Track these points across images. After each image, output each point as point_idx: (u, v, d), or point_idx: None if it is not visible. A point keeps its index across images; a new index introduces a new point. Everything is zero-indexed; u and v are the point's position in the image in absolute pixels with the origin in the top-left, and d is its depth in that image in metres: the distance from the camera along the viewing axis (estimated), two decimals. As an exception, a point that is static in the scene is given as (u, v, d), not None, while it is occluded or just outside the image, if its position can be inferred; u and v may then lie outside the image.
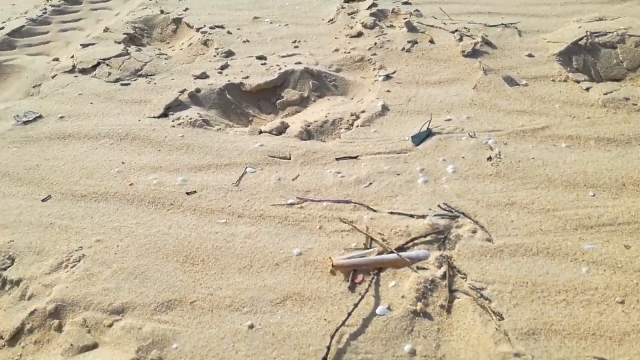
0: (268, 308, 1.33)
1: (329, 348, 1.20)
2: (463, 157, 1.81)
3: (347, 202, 1.66)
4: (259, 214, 1.65)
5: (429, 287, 1.33)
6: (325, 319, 1.29)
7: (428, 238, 1.48)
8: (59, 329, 1.31)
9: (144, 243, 1.56)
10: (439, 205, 1.60)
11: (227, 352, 1.22)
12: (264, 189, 1.76)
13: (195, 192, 1.76)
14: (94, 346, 1.26)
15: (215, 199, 1.73)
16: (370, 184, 1.74)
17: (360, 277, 1.39)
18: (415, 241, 1.48)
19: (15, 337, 1.33)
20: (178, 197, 1.75)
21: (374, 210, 1.62)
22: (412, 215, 1.56)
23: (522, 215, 1.54)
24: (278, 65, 2.55)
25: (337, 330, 1.24)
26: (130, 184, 1.82)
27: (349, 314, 1.27)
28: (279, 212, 1.65)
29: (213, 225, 1.62)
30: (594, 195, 1.59)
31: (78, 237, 1.60)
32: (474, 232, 1.49)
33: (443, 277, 1.35)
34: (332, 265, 1.42)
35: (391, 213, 1.59)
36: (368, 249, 1.47)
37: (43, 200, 1.78)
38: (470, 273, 1.36)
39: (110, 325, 1.30)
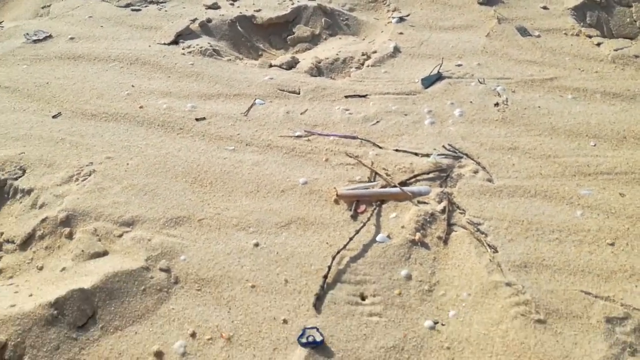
0: (273, 230, 1.38)
1: (329, 268, 1.26)
2: (471, 102, 1.83)
3: (354, 137, 1.69)
4: (267, 144, 1.68)
5: (428, 219, 1.38)
6: (327, 243, 1.34)
7: (431, 175, 1.52)
8: (70, 236, 1.36)
9: (154, 163, 1.59)
10: (443, 146, 1.63)
11: (233, 266, 1.28)
12: (272, 121, 1.79)
13: (204, 118, 1.79)
14: (104, 253, 1.31)
15: (224, 127, 1.75)
16: (377, 122, 1.76)
17: (362, 207, 1.44)
18: (418, 177, 1.52)
19: (26, 242, 1.38)
20: (187, 122, 1.77)
21: (380, 147, 1.65)
22: (416, 154, 1.60)
23: (524, 160, 1.58)
24: (291, 0, 2.52)
25: (338, 252, 1.29)
26: (140, 107, 1.84)
27: (350, 239, 1.32)
28: (287, 143, 1.68)
29: (222, 151, 1.65)
30: (594, 145, 1.62)
31: (88, 154, 1.63)
32: (476, 172, 1.53)
33: (442, 211, 1.40)
34: (337, 195, 1.46)
35: (396, 150, 1.62)
36: (372, 182, 1.51)
37: (53, 117, 1.80)
38: (469, 209, 1.41)
39: (120, 236, 1.35)
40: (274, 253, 1.32)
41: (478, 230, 1.34)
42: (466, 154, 1.59)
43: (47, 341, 1.10)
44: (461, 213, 1.40)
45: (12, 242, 1.40)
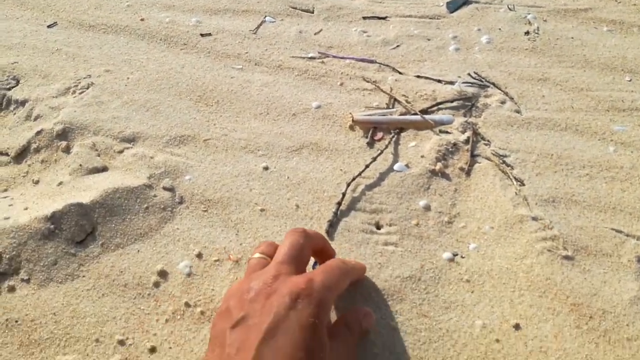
0: (284, 154, 1.30)
1: (344, 195, 1.18)
2: (499, 29, 1.70)
3: (372, 61, 1.58)
4: (278, 64, 1.57)
5: (450, 149, 1.29)
6: (341, 169, 1.26)
7: (454, 104, 1.42)
8: (67, 150, 1.27)
9: (156, 78, 1.48)
10: (468, 74, 1.52)
11: (241, 188, 1.20)
12: (284, 40, 1.66)
13: (210, 34, 1.66)
14: (104, 169, 1.22)
15: (231, 44, 1.63)
16: (397, 46, 1.64)
17: (380, 135, 1.35)
18: (441, 106, 1.42)
19: (21, 155, 1.30)
20: (192, 37, 1.64)
21: (400, 73, 1.54)
22: (439, 81, 1.49)
23: (554, 92, 1.47)
24: None
25: (353, 179, 1.21)
26: (142, 19, 1.70)
27: (367, 166, 1.24)
28: (299, 65, 1.57)
29: (229, 70, 1.54)
30: (630, 81, 1.51)
31: (86, 66, 1.52)
32: (503, 102, 1.43)
33: (466, 141, 1.31)
34: (352, 121, 1.36)
35: (418, 77, 1.51)
36: (390, 109, 1.41)
37: (49, 27, 1.67)
38: (495, 140, 1.32)
39: (121, 152, 1.26)
40: (284, 177, 1.23)
41: (504, 162, 1.26)
42: (493, 83, 1.48)
43: (44, 256, 1.03)
44: (486, 144, 1.31)
45: (6, 154, 1.31)
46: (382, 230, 1.14)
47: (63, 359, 0.90)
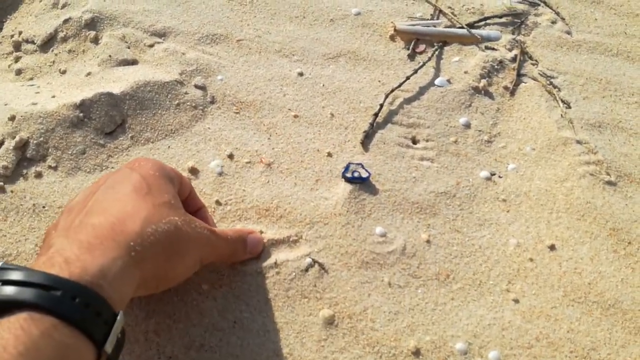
0: (319, 61, 1.24)
1: (381, 106, 1.13)
2: (555, -56, 1.58)
3: (416, -30, 1.47)
4: (316, -33, 1.47)
5: (495, 67, 1.23)
6: (379, 81, 1.20)
7: (503, 20, 1.34)
8: (96, 41, 1.22)
9: (188, -27, 1.40)
10: (519, -11, 1.42)
11: (275, 92, 1.16)
12: (323, -58, 1.55)
13: None
14: (134, 62, 1.18)
15: (267, -58, 1.53)
16: (444, -45, 1.53)
17: (422, 47, 1.28)
18: (488, 21, 1.33)
19: (47, 44, 1.25)
20: None
21: (445, -16, 1.44)
22: (488, -6, 1.40)
23: (608, 16, 1.38)
24: None
25: (392, 91, 1.16)
26: None
27: (408, 78, 1.18)
28: (338, -31, 1.47)
29: (264, -31, 1.44)
30: (692, 9, 1.41)
31: (114, -45, 1.43)
32: (554, 22, 1.34)
33: (513, 59, 1.24)
34: (394, 30, 1.29)
35: (464, -11, 1.42)
36: (435, 20, 1.34)
37: None
38: (543, 61, 1.25)
39: (152, 46, 1.21)
40: (319, 85, 1.19)
41: (551, 83, 1.20)
42: (544, 2, 1.39)
43: (73, 144, 1.01)
44: (533, 64, 1.25)
45: (32, 42, 1.26)
46: (418, 145, 1.10)
47: (95, 245, 0.90)
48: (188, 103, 1.11)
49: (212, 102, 1.13)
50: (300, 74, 1.20)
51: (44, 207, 0.94)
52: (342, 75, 1.21)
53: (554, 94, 1.16)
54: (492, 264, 0.93)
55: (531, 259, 0.93)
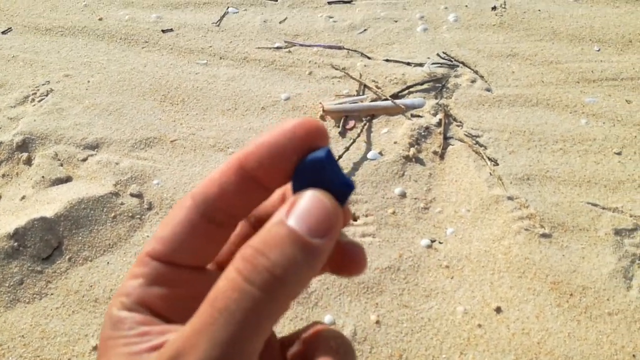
0: (253, 149, 1.26)
1: (317, 188, 1.15)
2: (466, 6, 1.67)
3: (340, 48, 1.54)
4: (243, 57, 1.53)
5: (423, 133, 1.27)
6: (313, 162, 1.23)
7: (425, 86, 1.40)
8: (29, 162, 1.23)
9: (118, 80, 1.43)
10: (437, 54, 1.49)
11: (211, 189, 1.17)
12: (248, 31, 1.62)
13: (172, 30, 1.61)
14: (68, 179, 1.18)
15: (194, 39, 1.58)
16: (365, 30, 1.60)
17: (351, 123, 1.32)
18: (411, 89, 1.39)
19: (-18, 170, 1.25)
20: (153, 34, 1.59)
21: (368, 57, 1.51)
22: (408, 63, 1.46)
23: (524, 67, 1.45)
24: None
25: (326, 171, 1.18)
26: (100, 19, 1.65)
27: (339, 157, 1.21)
28: (265, 56, 1.53)
29: (193, 66, 1.49)
30: (598, 50, 1.50)
31: (44, 72, 1.46)
32: (473, 81, 1.41)
33: (438, 124, 1.29)
34: (323, 111, 1.33)
35: (387, 60, 1.48)
36: (361, 95, 1.39)
37: (3, 33, 1.61)
38: (467, 121, 1.30)
39: (85, 160, 1.22)
40: (256, 174, 1.20)
41: (477, 142, 1.24)
42: (462, 62, 1.46)
43: (9, 275, 0.99)
44: (458, 125, 1.29)
45: (-35, 170, 1.26)
46: (359, 222, 1.12)
47: (36, 381, 0.87)
48: (125, 214, 1.11)
49: (150, 208, 1.13)
50: (236, 166, 1.22)
51: (-18, 347, 0.91)
52: (278, 161, 1.24)
53: (480, 153, 1.20)
54: (443, 336, 0.93)
55: (479, 325, 0.93)
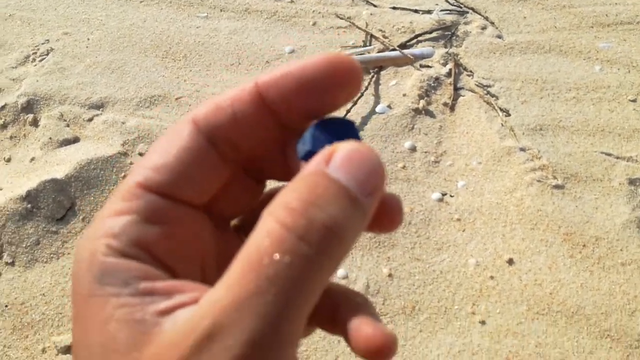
0: (260, 105, 1.24)
1: (327, 143, 1.14)
2: (475, -52, 1.61)
3: (344, -4, 1.49)
4: (244, 8, 1.48)
5: (432, 85, 1.25)
6: (321, 116, 1.21)
7: (434, 35, 1.36)
8: (35, 123, 1.21)
9: (118, 37, 1.40)
10: (446, 0, 1.44)
11: (220, 147, 1.16)
12: (250, -19, 1.56)
13: (171, -18, 1.55)
14: (75, 140, 1.17)
15: (194, -9, 1.53)
16: (369, -24, 1.55)
17: (358, 75, 1.29)
18: (420, 38, 1.35)
19: (-12, 133, 1.24)
20: (152, -13, 1.54)
21: (374, 5, 1.46)
22: (416, 11, 1.42)
23: (536, 12, 1.41)
24: None
25: (335, 126, 1.17)
26: (96, -28, 1.59)
27: (347, 112, 1.19)
28: (267, 7, 1.48)
29: (193, 19, 1.45)
30: (614, -8, 1.45)
31: (43, 30, 1.42)
32: (484, 28, 1.37)
33: (448, 74, 1.26)
34: (329, 62, 1.30)
35: (393, 8, 1.44)
36: (367, 46, 1.35)
37: (-4, -11, 1.56)
38: (478, 70, 1.27)
39: (91, 120, 1.21)
40: (264, 130, 1.19)
41: (488, 93, 1.22)
42: (472, 8, 1.41)
43: (26, 236, 1.00)
44: (469, 75, 1.26)
45: (-29, 134, 1.25)
46: (368, 176, 1.11)
47: (58, 339, 0.89)
48: (134, 174, 1.10)
49: (159, 167, 1.12)
50: (244, 123, 1.21)
51: (6, 306, 0.93)
52: (285, 116, 1.22)
53: (492, 104, 1.18)
54: (455, 287, 0.94)
55: (492, 277, 0.94)
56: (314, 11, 1.46)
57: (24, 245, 1.00)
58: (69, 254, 1.00)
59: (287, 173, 0.26)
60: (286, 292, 0.19)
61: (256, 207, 0.29)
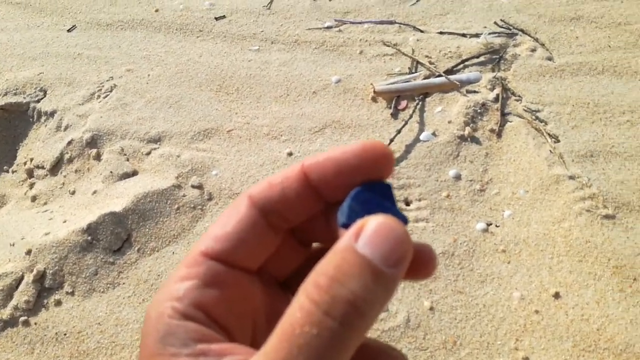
0: (307, 136, 1.28)
1: (370, 173, 1.15)
2: (525, -33, 1.58)
3: (391, 22, 1.51)
4: (294, 40, 1.53)
5: (479, 110, 1.23)
6: (366, 145, 1.23)
7: (481, 59, 1.34)
8: (98, 157, 1.31)
9: (176, 72, 1.48)
10: (495, 22, 1.42)
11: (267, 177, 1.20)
12: (299, 12, 1.61)
13: (224, 16, 1.63)
14: (134, 173, 1.26)
15: (246, 24, 1.60)
16: (417, 1, 1.55)
17: (404, 103, 1.30)
18: (466, 63, 1.34)
19: (56, 167, 1.35)
20: (207, 22, 1.62)
21: (421, 31, 1.46)
22: (464, 35, 1.41)
23: (589, 31, 1.36)
24: None
25: (378, 155, 1.18)
26: (156, 10, 1.70)
27: (391, 140, 1.20)
28: (316, 37, 1.52)
29: (245, 53, 1.51)
30: (677, 6, 1.38)
31: (108, 67, 1.54)
32: (534, 50, 1.34)
33: (495, 99, 1.24)
34: (374, 92, 1.32)
35: (440, 33, 1.44)
36: (413, 73, 1.36)
37: (68, 31, 1.70)
38: (526, 95, 1.24)
39: (149, 154, 1.29)
40: (309, 160, 1.22)
41: (536, 118, 1.19)
42: (522, 30, 1.39)
43: (85, 267, 1.08)
44: (517, 100, 1.24)
45: (42, 167, 1.36)
46: (411, 206, 1.11)
47: (115, 365, 0.95)
48: (187, 205, 1.17)
49: (210, 198, 1.18)
50: (290, 154, 1.24)
51: (65, 334, 1.01)
52: (329, 146, 1.25)
53: (540, 130, 1.15)
54: (498, 322, 0.92)
55: (537, 311, 0.92)
56: (361, 39, 1.48)
57: (84, 276, 1.08)
58: (124, 284, 1.07)
59: (330, 238, 0.30)
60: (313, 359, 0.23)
61: (303, 265, 0.34)
